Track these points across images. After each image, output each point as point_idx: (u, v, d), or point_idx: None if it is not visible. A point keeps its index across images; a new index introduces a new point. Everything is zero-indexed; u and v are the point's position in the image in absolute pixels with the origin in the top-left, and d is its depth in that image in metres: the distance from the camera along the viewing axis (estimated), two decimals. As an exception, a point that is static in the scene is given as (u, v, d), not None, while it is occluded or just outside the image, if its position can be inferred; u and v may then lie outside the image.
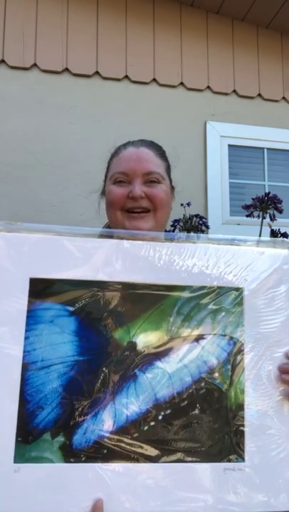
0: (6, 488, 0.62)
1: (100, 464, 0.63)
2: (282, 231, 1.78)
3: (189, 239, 0.73)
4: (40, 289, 0.67)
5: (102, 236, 0.71)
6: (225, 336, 0.70)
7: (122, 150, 1.03)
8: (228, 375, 0.69)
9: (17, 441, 0.62)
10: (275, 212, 1.73)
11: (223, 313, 0.70)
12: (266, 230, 1.77)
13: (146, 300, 0.69)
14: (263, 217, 1.74)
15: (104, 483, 0.63)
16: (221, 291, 0.71)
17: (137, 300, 0.69)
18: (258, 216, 1.74)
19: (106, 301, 0.68)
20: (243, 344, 0.70)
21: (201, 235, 1.70)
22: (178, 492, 0.64)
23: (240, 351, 0.70)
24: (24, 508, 0.62)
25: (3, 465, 0.62)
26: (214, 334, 0.69)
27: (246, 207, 1.74)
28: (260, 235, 1.75)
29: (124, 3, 2.26)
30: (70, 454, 0.63)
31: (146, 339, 0.68)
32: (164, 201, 0.99)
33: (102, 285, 0.68)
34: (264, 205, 1.73)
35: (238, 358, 0.69)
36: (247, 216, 1.74)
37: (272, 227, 1.78)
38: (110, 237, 0.71)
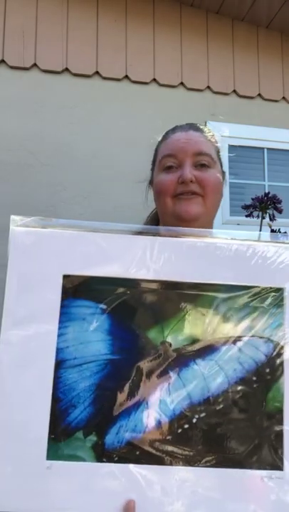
0: (38, 484, 0.62)
1: (132, 465, 0.62)
2: (282, 231, 1.78)
3: (237, 237, 0.70)
4: (74, 285, 0.66)
5: (138, 233, 0.69)
6: (263, 338, 0.67)
7: (170, 134, 0.97)
8: (267, 378, 0.66)
9: (50, 439, 0.62)
10: (275, 212, 1.73)
11: (262, 315, 0.67)
12: (266, 230, 1.77)
13: (182, 299, 0.67)
14: (263, 217, 1.74)
15: (136, 484, 0.62)
16: (260, 292, 0.68)
17: (172, 299, 0.67)
18: (258, 216, 1.74)
19: (139, 299, 0.67)
20: (282, 347, 0.67)
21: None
22: (210, 497, 0.62)
23: (280, 354, 0.66)
24: (55, 504, 0.61)
25: (36, 461, 0.62)
26: (252, 336, 0.67)
27: (245, 207, 1.73)
28: (259, 236, 1.75)
29: (124, 3, 2.26)
30: (103, 454, 0.62)
31: (180, 339, 0.66)
32: (215, 187, 0.92)
33: (135, 283, 0.67)
34: (263, 205, 1.73)
35: (277, 361, 0.66)
36: (246, 216, 1.74)
37: (272, 227, 1.78)
38: (149, 233, 0.69)
